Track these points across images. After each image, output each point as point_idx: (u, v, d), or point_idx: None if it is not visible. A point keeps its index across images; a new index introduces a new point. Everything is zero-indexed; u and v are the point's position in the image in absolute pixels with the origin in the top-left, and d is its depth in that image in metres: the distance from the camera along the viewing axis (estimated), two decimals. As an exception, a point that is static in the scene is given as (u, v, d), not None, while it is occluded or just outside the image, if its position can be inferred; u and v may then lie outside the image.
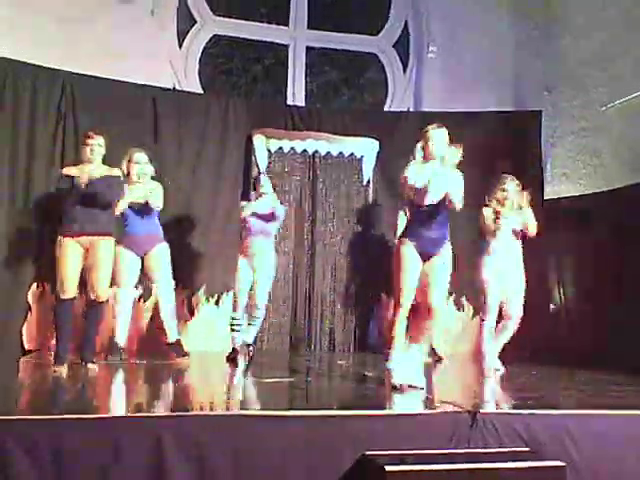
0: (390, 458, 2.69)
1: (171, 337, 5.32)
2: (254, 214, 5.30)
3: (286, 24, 7.41)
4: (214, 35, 7.20)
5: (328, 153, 6.75)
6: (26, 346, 5.60)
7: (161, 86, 6.57)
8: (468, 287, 5.87)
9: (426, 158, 4.01)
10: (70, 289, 4.38)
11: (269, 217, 5.34)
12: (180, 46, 7.01)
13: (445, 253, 4.03)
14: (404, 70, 7.61)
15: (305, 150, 6.72)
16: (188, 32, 7.07)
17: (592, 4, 6.57)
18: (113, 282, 5.01)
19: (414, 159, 4.02)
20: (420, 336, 4.10)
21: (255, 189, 5.52)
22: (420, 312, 4.10)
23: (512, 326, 5.01)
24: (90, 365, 4.44)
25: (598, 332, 5.59)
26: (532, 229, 4.96)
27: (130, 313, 5.26)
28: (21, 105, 5.79)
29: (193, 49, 7.08)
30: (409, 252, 3.98)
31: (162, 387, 4.26)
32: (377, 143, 6.82)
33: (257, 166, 6.55)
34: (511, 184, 5.09)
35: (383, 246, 6.67)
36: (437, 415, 3.06)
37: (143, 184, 5.21)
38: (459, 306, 6.70)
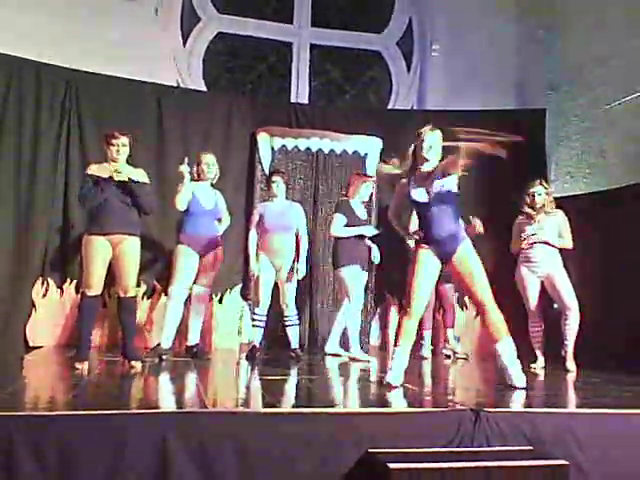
0: (394, 456, 2.69)
1: (194, 340, 5.29)
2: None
3: (290, 22, 7.42)
4: (218, 33, 7.21)
5: (332, 151, 6.74)
6: (30, 343, 5.63)
7: (165, 84, 6.58)
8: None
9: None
10: (98, 286, 4.34)
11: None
12: (184, 44, 7.02)
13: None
14: (408, 68, 7.60)
15: (309, 148, 6.71)
16: (192, 30, 7.08)
17: (595, 2, 6.55)
18: (170, 280, 5.07)
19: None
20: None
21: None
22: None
23: (575, 318, 5.01)
24: (134, 363, 4.40)
25: (601, 331, 5.57)
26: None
27: (182, 312, 5.12)
28: (25, 102, 5.81)
29: (197, 47, 7.09)
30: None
31: (169, 384, 4.26)
32: (380, 141, 6.81)
33: (261, 164, 6.56)
34: (539, 189, 5.11)
35: (386, 245, 6.66)
36: (441, 413, 3.06)
37: (209, 187, 5.31)
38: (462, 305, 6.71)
